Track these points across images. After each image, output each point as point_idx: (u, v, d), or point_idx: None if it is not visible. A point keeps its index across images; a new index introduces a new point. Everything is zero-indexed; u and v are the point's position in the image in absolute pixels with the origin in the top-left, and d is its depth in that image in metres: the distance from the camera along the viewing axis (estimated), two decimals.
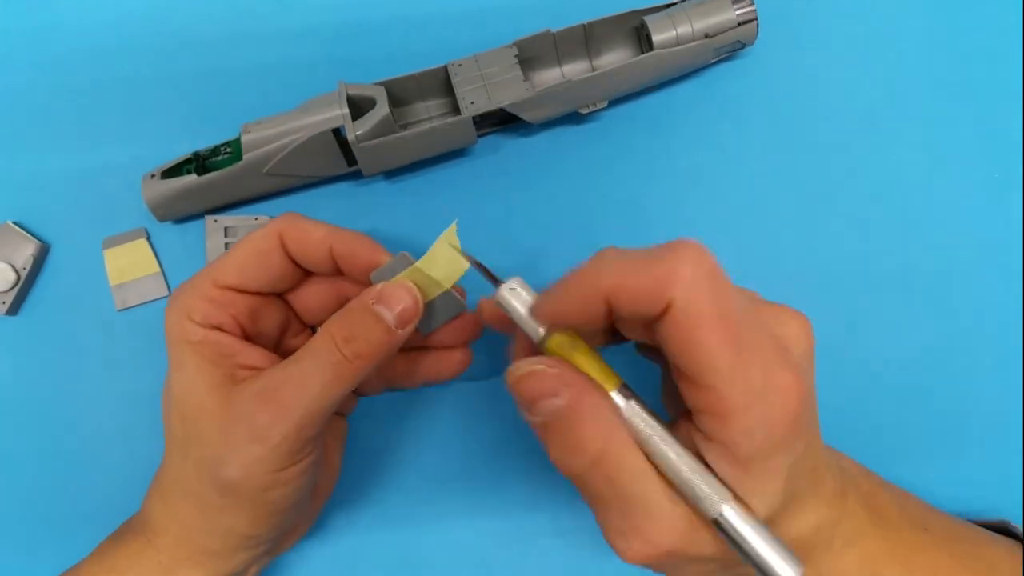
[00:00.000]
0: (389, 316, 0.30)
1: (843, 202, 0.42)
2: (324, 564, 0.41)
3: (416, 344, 0.35)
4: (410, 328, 0.31)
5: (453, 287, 0.33)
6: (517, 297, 0.28)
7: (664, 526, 0.26)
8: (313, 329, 0.37)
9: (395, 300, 0.30)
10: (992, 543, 0.35)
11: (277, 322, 0.35)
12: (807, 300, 0.41)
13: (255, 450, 0.29)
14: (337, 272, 0.34)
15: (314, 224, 0.33)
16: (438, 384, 0.36)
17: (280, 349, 0.34)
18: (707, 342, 0.24)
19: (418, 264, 0.32)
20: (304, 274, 0.35)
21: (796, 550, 0.26)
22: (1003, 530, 0.37)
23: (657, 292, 0.24)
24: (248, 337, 0.33)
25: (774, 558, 0.25)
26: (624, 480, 0.26)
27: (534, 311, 0.28)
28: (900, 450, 0.41)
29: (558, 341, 0.28)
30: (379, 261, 0.32)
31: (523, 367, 0.27)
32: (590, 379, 0.27)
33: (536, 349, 0.29)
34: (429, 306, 0.33)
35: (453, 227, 0.32)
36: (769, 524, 0.26)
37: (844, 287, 0.42)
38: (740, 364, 0.24)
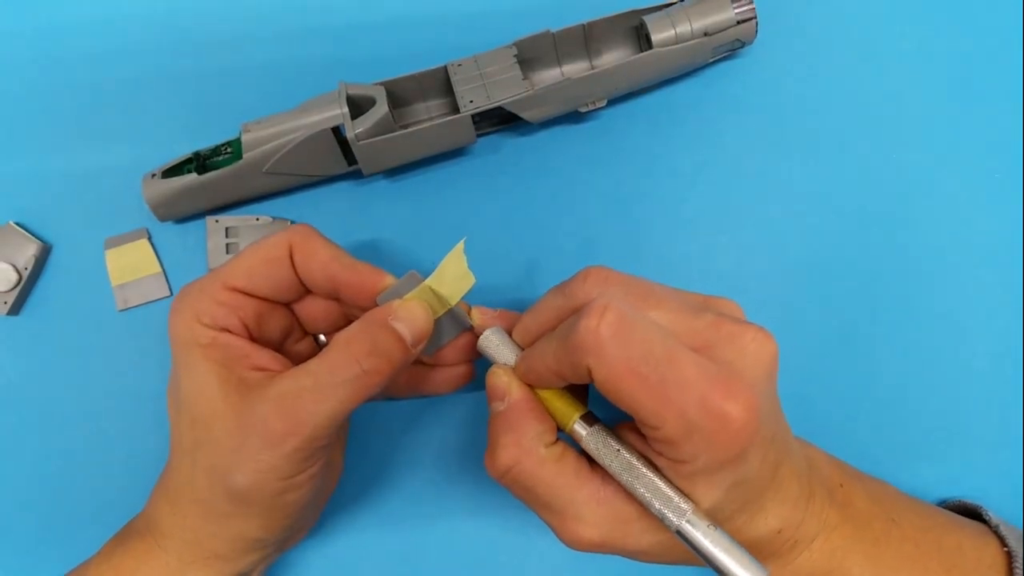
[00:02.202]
0: (407, 333, 0.31)
1: (843, 201, 0.42)
2: (324, 564, 0.41)
3: (419, 359, 0.35)
4: (422, 346, 0.32)
5: (459, 303, 0.33)
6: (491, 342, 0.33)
7: (586, 526, 0.29)
8: (314, 337, 0.37)
9: (411, 317, 0.31)
10: (959, 529, 0.36)
11: (281, 328, 0.35)
12: (806, 299, 0.41)
13: (266, 458, 0.29)
14: (334, 296, 0.34)
15: (323, 244, 0.33)
16: (438, 396, 0.36)
17: (282, 353, 0.34)
18: (629, 394, 0.27)
19: (428, 282, 0.32)
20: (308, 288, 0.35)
21: (760, 552, 0.29)
22: (976, 515, 0.38)
23: (578, 365, 0.27)
24: (253, 340, 0.33)
25: (735, 565, 0.27)
26: (540, 491, 0.30)
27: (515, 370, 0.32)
28: (899, 450, 0.41)
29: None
30: (381, 287, 0.32)
31: (494, 366, 0.33)
32: (531, 401, 0.31)
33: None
34: (436, 323, 0.33)
35: (462, 244, 0.32)
36: (720, 525, 0.28)
37: (844, 286, 0.42)
38: (668, 404, 0.26)
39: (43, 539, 0.40)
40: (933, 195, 0.42)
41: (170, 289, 0.41)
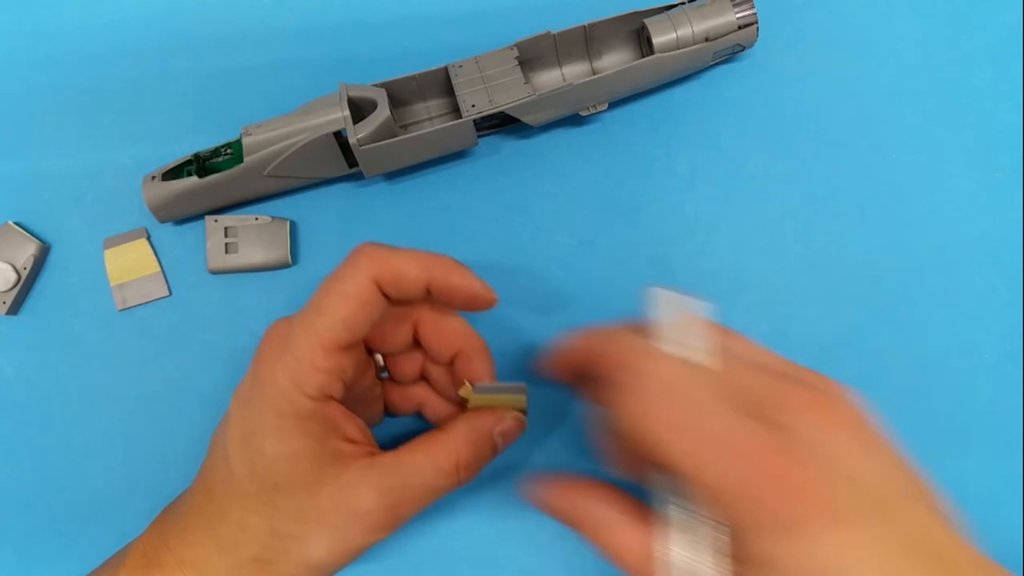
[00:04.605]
0: (501, 446, 0.32)
1: (843, 203, 0.42)
2: None
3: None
4: None
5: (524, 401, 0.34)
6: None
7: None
8: (370, 352, 0.36)
9: (509, 432, 0.33)
10: None
11: (361, 365, 0.34)
12: (807, 301, 0.41)
13: (360, 542, 0.30)
14: (424, 300, 0.33)
15: (403, 260, 0.31)
16: None
17: (352, 390, 0.34)
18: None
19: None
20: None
21: None
22: None
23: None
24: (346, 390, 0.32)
25: None
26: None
27: None
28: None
29: None
30: (472, 288, 0.32)
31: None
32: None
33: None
34: None
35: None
36: None
37: (843, 288, 0.42)
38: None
39: (43, 539, 0.40)
40: (933, 195, 0.42)
41: (169, 289, 0.41)
